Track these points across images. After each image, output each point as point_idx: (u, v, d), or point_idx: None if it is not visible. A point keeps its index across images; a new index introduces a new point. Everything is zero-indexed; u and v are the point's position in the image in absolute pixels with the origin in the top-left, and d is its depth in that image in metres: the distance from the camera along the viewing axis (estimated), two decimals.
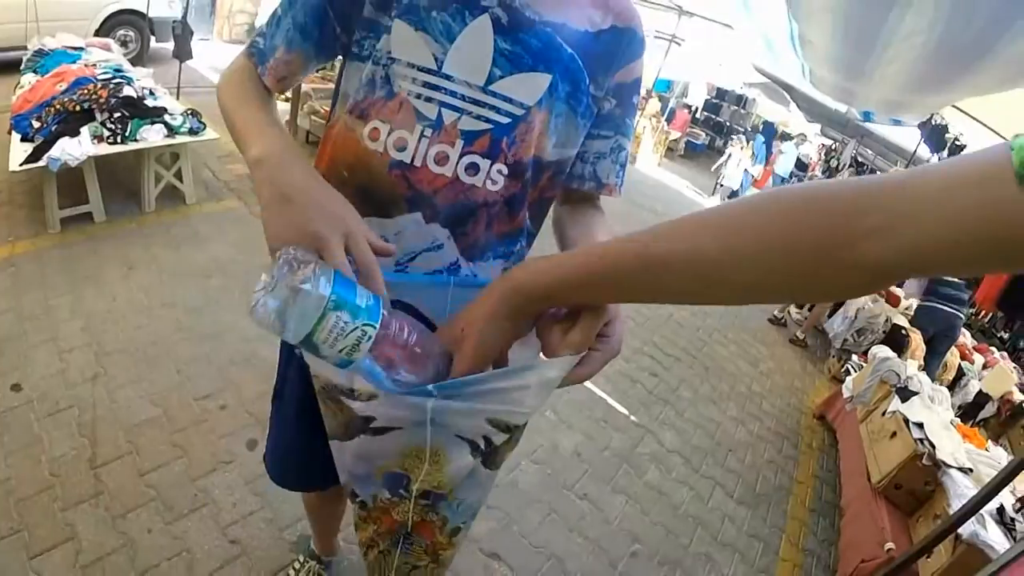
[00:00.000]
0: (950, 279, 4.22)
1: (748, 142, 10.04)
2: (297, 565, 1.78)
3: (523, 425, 0.72)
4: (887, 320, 4.38)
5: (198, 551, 1.79)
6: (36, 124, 2.97)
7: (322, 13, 0.81)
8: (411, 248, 0.83)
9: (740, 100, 14.45)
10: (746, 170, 9.71)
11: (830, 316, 4.81)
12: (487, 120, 0.78)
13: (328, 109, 1.41)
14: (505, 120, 0.78)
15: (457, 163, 0.78)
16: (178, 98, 5.24)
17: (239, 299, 3.01)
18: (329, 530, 1.71)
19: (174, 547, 1.79)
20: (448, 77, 0.76)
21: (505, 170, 0.80)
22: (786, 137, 12.58)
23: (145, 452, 2.08)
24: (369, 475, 0.79)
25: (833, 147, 12.50)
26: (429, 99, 0.77)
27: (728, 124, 14.71)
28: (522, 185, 0.84)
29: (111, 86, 3.17)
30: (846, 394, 3.45)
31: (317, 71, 0.90)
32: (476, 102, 0.77)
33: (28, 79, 3.52)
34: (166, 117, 3.31)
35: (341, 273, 0.55)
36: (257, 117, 0.76)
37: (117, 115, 3.09)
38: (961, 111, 5.39)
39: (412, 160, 0.78)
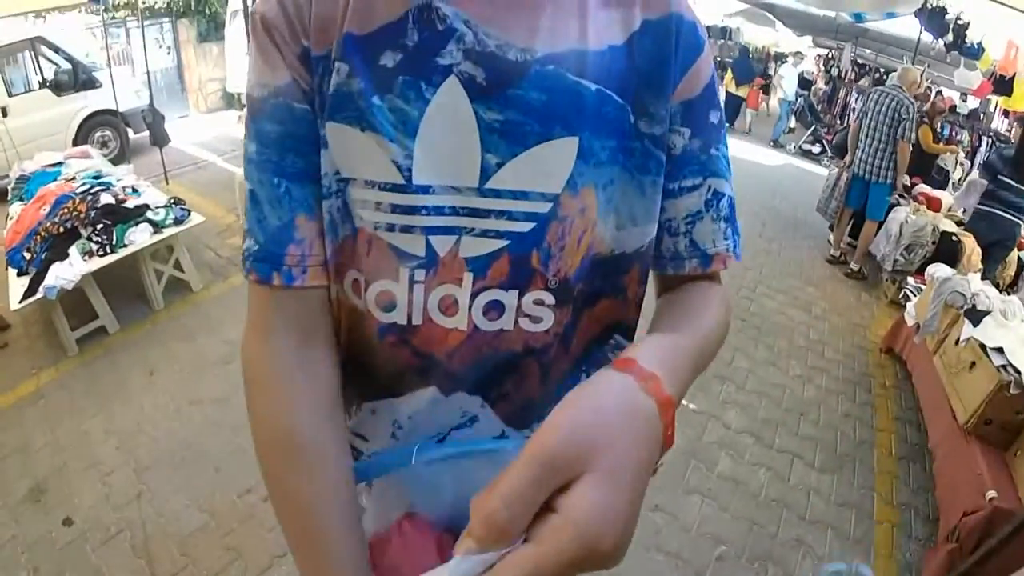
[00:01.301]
0: (1012, 183, 3.81)
1: (728, 70, 9.69)
2: None
3: None
4: (934, 229, 4.06)
5: None
6: (27, 255, 2.97)
7: (315, 138, 0.54)
8: (434, 428, 0.61)
9: (725, 33, 13.98)
10: (729, 93, 9.44)
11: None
12: (497, 234, 0.53)
13: None
14: (525, 226, 0.53)
15: (470, 307, 0.54)
16: (167, 183, 5.30)
17: None
18: None
19: None
20: (424, 189, 0.52)
21: (550, 297, 0.56)
22: (780, 59, 12.07)
23: (201, 561, 2.05)
24: None
25: (830, 55, 11.95)
26: (408, 228, 0.53)
27: (719, 59, 14.25)
28: (576, 308, 0.59)
29: (88, 198, 3.16)
30: (910, 322, 3.20)
31: None
32: (475, 212, 0.53)
33: (15, 209, 3.54)
34: (148, 214, 3.28)
35: None
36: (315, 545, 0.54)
37: (100, 226, 3.07)
38: None
39: (409, 318, 0.55)
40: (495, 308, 0.55)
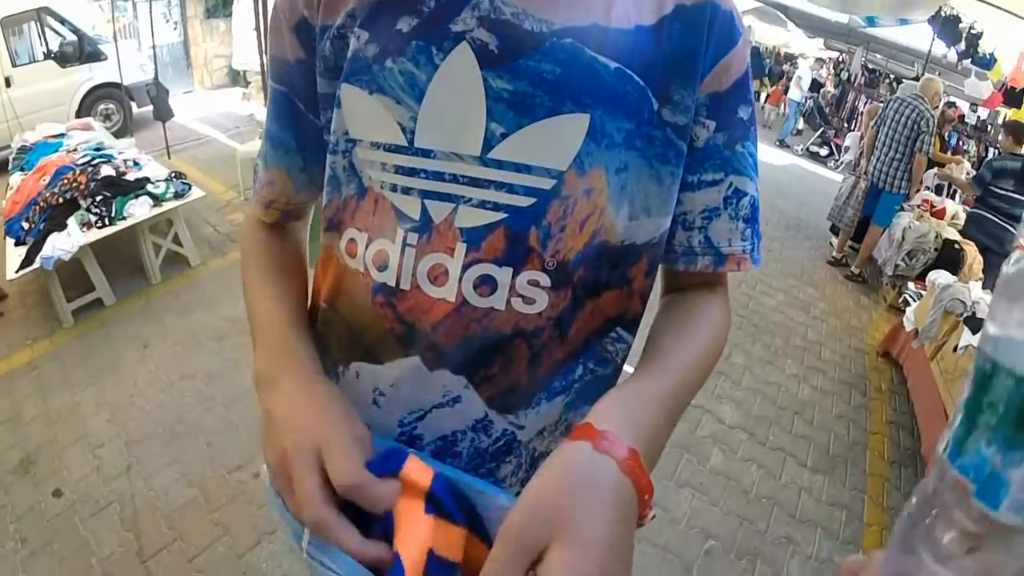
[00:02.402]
0: (1004, 189, 3.79)
1: None
2: None
3: None
4: (937, 236, 4.04)
5: None
6: (26, 225, 2.96)
7: (289, 107, 0.61)
8: (416, 403, 0.58)
9: None
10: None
11: None
12: (495, 206, 0.52)
13: None
14: (526, 201, 0.52)
15: (460, 279, 0.53)
16: (169, 157, 5.27)
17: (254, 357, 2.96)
18: None
19: None
20: (426, 153, 0.52)
21: (545, 279, 0.53)
22: (790, 59, 12.01)
23: (189, 536, 2.05)
24: None
25: (840, 59, 11.88)
26: (407, 189, 0.53)
27: None
28: (576, 295, 0.56)
29: (89, 170, 3.14)
30: (908, 327, 3.20)
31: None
32: (474, 181, 0.52)
33: (15, 179, 3.53)
34: (149, 187, 3.26)
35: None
36: (258, 312, 0.62)
37: (100, 198, 3.06)
38: None
39: (398, 281, 0.54)
40: (487, 283, 0.53)
